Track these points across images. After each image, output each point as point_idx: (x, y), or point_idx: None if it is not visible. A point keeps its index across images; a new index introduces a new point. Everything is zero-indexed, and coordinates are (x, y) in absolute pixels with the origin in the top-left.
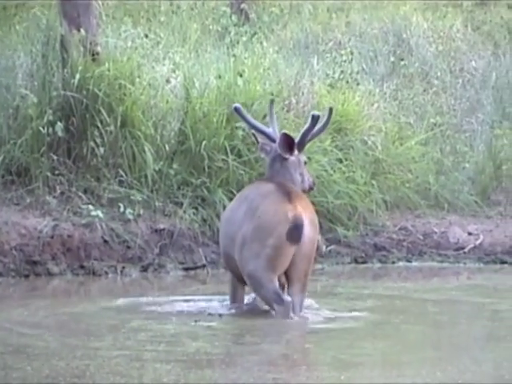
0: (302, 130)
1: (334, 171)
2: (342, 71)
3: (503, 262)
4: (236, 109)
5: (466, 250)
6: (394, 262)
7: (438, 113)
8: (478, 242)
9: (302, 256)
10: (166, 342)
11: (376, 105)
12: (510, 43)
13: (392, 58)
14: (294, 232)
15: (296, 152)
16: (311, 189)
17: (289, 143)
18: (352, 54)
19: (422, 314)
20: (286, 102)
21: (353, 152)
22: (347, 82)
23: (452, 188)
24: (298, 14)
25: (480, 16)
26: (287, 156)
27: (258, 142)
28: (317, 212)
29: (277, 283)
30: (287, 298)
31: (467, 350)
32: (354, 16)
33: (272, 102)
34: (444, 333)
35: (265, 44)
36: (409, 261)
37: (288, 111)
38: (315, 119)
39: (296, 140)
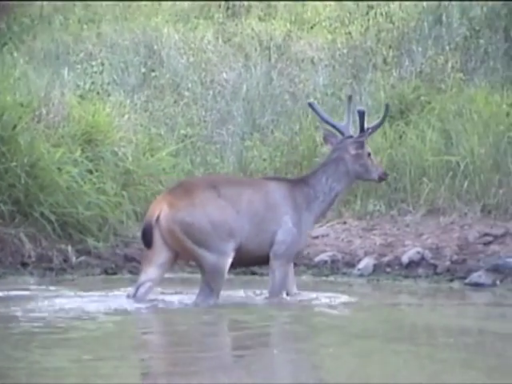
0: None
1: (85, 182)
2: (92, 82)
3: None
4: (311, 104)
5: None
6: None
7: (189, 124)
8: None
9: (170, 244)
10: None
11: (127, 116)
12: (260, 55)
13: (143, 69)
14: (142, 235)
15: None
16: (382, 179)
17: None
18: (103, 65)
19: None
20: (37, 113)
21: (103, 163)
22: (98, 93)
23: None
24: (48, 25)
25: (231, 28)
26: (357, 152)
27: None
28: (66, 223)
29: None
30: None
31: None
32: (106, 27)
33: (350, 97)
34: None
35: (15, 54)
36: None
37: (39, 122)
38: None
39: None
